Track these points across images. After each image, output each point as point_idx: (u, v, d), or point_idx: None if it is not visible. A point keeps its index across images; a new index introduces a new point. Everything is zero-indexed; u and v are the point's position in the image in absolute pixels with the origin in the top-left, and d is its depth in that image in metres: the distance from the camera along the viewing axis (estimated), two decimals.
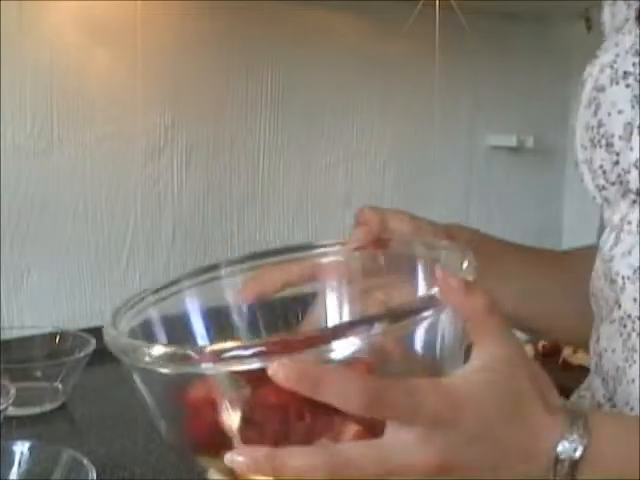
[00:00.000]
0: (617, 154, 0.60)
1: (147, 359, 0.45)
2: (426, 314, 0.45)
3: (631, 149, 0.59)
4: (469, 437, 0.42)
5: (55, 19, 1.14)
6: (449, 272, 0.47)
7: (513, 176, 1.76)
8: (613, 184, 0.62)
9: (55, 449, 0.71)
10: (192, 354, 0.43)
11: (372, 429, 0.43)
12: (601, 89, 0.62)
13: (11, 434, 0.78)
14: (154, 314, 0.57)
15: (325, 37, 1.43)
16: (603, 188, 0.63)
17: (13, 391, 0.80)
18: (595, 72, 0.64)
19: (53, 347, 1.04)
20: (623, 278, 0.61)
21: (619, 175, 0.61)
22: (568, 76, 1.75)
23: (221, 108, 1.32)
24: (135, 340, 0.50)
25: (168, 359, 0.44)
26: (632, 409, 0.60)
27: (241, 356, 0.42)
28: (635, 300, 0.60)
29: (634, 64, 0.59)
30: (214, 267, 0.63)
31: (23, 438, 0.73)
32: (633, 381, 0.60)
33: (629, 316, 0.60)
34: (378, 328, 0.42)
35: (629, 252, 0.61)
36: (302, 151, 1.43)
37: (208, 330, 0.59)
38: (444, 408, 0.42)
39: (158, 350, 0.45)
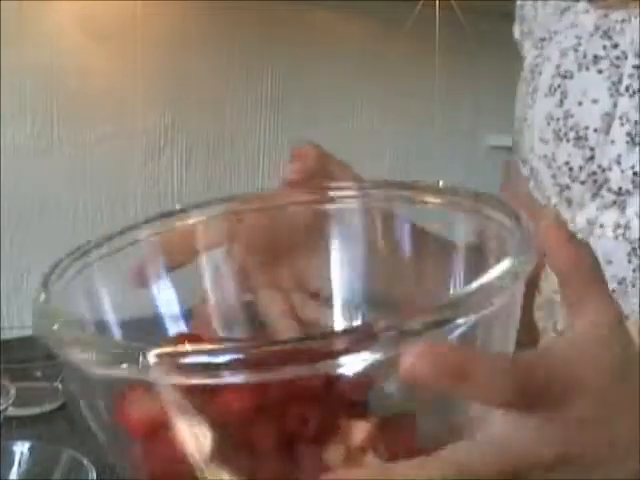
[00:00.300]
0: (592, 149, 0.54)
1: (78, 353, 0.33)
2: (461, 321, 0.34)
3: (612, 142, 0.53)
4: (588, 419, 0.34)
5: (55, 19, 1.14)
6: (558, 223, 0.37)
7: None
8: (583, 183, 0.55)
9: (55, 449, 0.71)
10: (137, 357, 0.31)
11: (384, 425, 0.35)
12: (567, 75, 0.56)
13: (11, 434, 0.78)
14: (99, 274, 0.43)
15: (325, 37, 1.42)
16: (567, 187, 0.56)
17: (13, 391, 0.80)
18: (554, 56, 0.57)
19: None
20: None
21: (594, 173, 0.54)
22: None
23: (221, 108, 1.32)
24: (66, 324, 0.36)
25: (103, 358, 0.32)
26: None
27: (208, 365, 0.30)
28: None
29: (605, 47, 0.53)
30: (179, 212, 0.46)
31: (23, 438, 0.73)
32: None
33: None
34: (404, 339, 0.31)
35: (608, 261, 0.54)
36: None
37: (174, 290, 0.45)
38: (569, 385, 0.34)
39: (92, 345, 0.33)
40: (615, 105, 0.52)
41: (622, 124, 0.52)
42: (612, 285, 0.52)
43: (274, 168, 1.39)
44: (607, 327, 0.36)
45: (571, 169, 0.55)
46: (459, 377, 0.31)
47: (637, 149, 0.52)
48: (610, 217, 0.54)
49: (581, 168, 0.55)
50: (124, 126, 1.23)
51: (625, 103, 0.52)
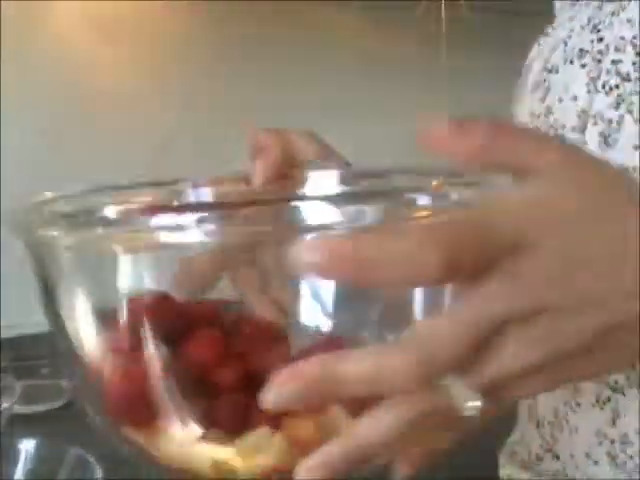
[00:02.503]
0: None
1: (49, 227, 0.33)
2: None
3: (585, 143, 0.49)
4: (556, 264, 0.31)
5: (62, 18, 1.14)
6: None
7: None
8: None
9: (61, 447, 0.71)
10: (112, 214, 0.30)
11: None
12: (553, 70, 0.52)
13: (16, 432, 0.78)
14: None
15: (332, 37, 1.42)
16: None
17: (19, 389, 0.80)
18: (546, 51, 0.54)
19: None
20: None
21: None
22: None
23: (228, 106, 1.32)
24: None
25: (75, 222, 0.32)
26: (577, 466, 0.51)
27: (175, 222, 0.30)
28: None
29: (592, 41, 0.50)
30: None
31: (29, 436, 0.73)
32: (576, 430, 0.50)
33: None
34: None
35: None
36: None
37: None
38: (522, 235, 0.30)
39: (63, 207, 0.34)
40: (591, 102, 0.49)
41: (595, 123, 0.49)
42: None
43: None
44: (579, 167, 0.32)
45: None
46: (360, 268, 0.28)
47: (609, 151, 0.48)
48: None
49: None
50: (128, 126, 1.23)
51: (600, 100, 0.49)
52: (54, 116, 1.15)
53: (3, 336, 1.02)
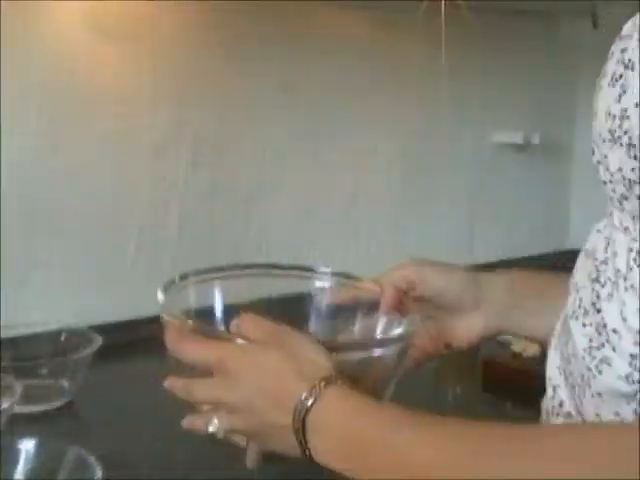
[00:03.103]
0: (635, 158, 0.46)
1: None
2: None
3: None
4: (236, 380, 0.55)
5: (61, 18, 1.14)
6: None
7: (519, 173, 1.75)
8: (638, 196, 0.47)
9: (61, 447, 0.71)
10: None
11: None
12: (629, 65, 0.47)
13: (17, 432, 0.78)
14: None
15: (333, 36, 1.42)
16: (624, 199, 0.48)
17: (19, 389, 0.80)
18: (625, 41, 0.49)
19: (59, 344, 1.04)
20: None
21: None
22: (574, 72, 1.74)
23: (228, 106, 1.32)
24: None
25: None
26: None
27: None
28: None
29: None
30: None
31: (29, 436, 0.73)
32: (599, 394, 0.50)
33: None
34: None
35: (614, 253, 0.51)
36: (309, 150, 1.42)
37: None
38: (230, 363, 0.55)
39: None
40: None
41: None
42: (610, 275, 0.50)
43: (281, 167, 1.39)
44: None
45: (624, 178, 0.47)
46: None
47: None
48: None
49: (636, 182, 0.47)
50: (130, 124, 1.23)
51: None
52: (54, 116, 1.15)
53: (3, 336, 1.02)
